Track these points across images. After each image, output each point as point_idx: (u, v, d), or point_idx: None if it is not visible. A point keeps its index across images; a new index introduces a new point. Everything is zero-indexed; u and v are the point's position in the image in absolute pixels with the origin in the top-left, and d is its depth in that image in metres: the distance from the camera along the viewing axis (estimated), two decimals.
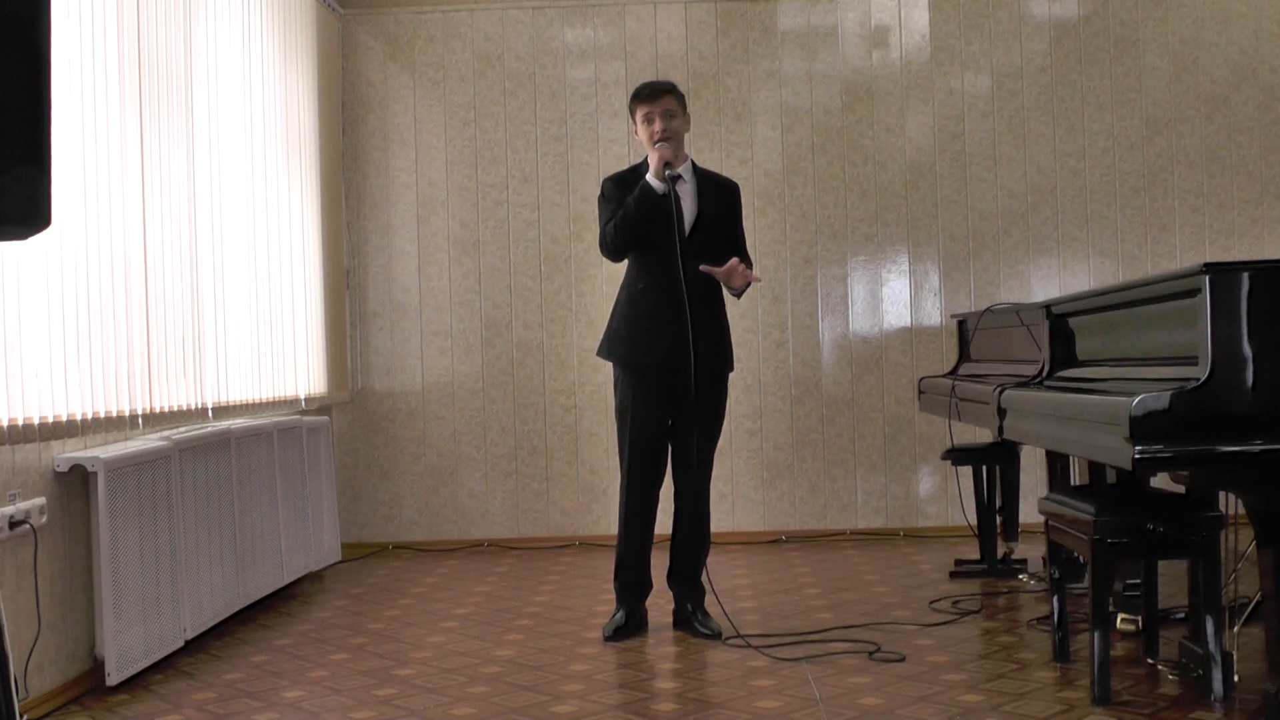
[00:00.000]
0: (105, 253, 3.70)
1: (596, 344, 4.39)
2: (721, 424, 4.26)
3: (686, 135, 4.24)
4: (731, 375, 4.29)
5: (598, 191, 4.28)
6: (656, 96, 4.13)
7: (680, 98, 4.19)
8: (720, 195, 4.23)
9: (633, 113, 4.20)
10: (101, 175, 3.68)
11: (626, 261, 4.22)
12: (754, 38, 6.17)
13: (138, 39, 3.97)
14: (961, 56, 6.17)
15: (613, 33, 6.20)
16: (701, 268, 4.01)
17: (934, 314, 6.13)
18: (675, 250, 3.99)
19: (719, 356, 4.17)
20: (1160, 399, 2.57)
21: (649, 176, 4.06)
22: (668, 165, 4.04)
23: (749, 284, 4.15)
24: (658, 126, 4.09)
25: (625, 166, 4.40)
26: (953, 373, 5.17)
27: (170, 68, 4.23)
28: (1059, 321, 3.72)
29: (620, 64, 6.18)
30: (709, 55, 6.18)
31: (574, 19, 6.22)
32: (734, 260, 4.03)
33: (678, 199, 4.10)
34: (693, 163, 4.24)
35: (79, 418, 3.54)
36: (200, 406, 4.38)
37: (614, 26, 6.20)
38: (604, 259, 4.30)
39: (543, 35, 6.21)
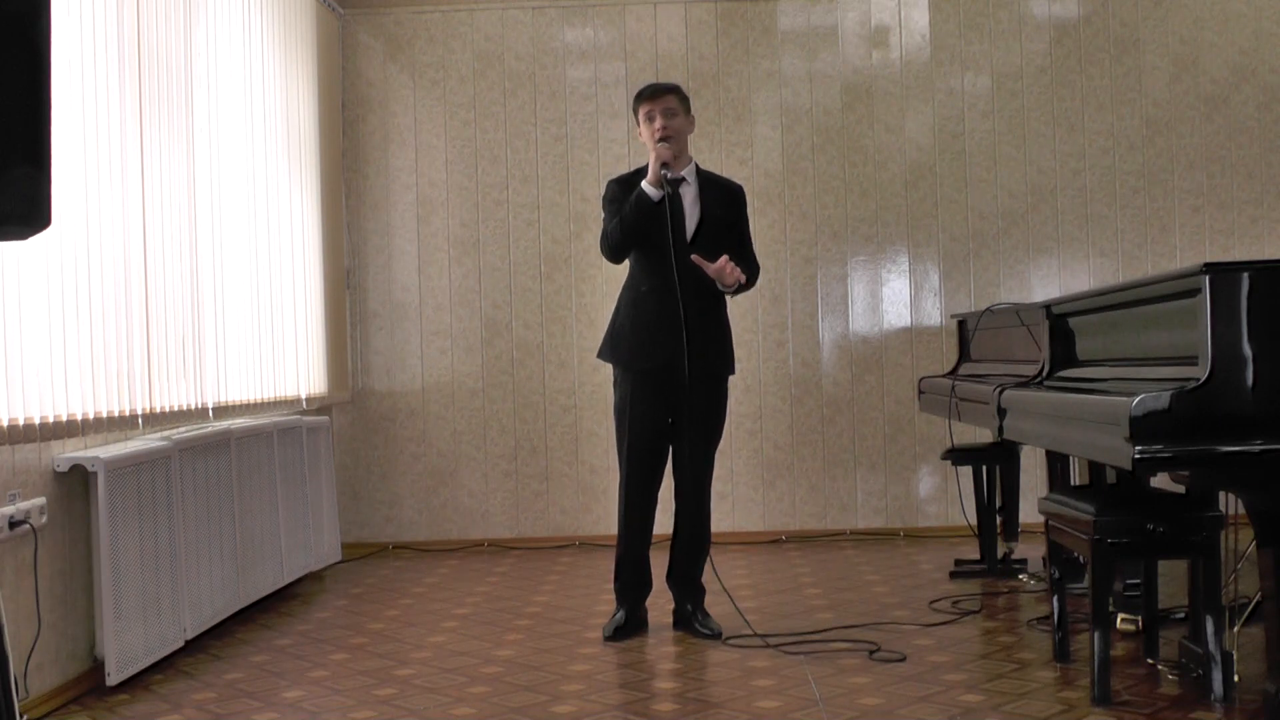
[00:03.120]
0: (105, 253, 3.70)
1: (597, 344, 4.38)
2: (722, 426, 4.25)
3: (690, 136, 4.23)
4: (732, 377, 4.28)
5: (599, 192, 4.26)
6: (658, 95, 4.12)
7: (684, 99, 4.17)
8: (724, 198, 4.20)
9: (635, 112, 4.19)
10: (101, 175, 3.68)
11: (629, 262, 4.22)
12: (754, 38, 6.17)
13: (138, 39, 3.97)
14: (961, 56, 6.17)
15: (613, 33, 6.20)
16: (693, 257, 3.99)
17: (934, 314, 6.13)
18: (673, 255, 3.99)
19: (719, 359, 4.16)
20: (1160, 399, 2.57)
21: (645, 183, 4.03)
22: (665, 166, 4.01)
23: (740, 285, 4.10)
24: (658, 124, 4.07)
25: (625, 166, 4.39)
26: (953, 373, 5.17)
27: (170, 68, 4.23)
28: (1059, 321, 3.72)
29: (620, 64, 6.18)
30: (709, 55, 6.18)
31: (574, 19, 6.22)
32: (724, 258, 3.99)
33: (680, 202, 4.08)
34: (696, 165, 4.22)
35: (79, 418, 3.54)
36: (200, 406, 4.38)
37: (614, 26, 6.20)
38: (605, 259, 4.28)
39: (543, 35, 6.21)
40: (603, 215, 4.21)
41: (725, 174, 6.04)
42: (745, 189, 4.35)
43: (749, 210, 4.32)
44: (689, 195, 4.13)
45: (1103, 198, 6.12)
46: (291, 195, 5.43)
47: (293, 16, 5.53)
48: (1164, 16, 6.11)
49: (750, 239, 4.28)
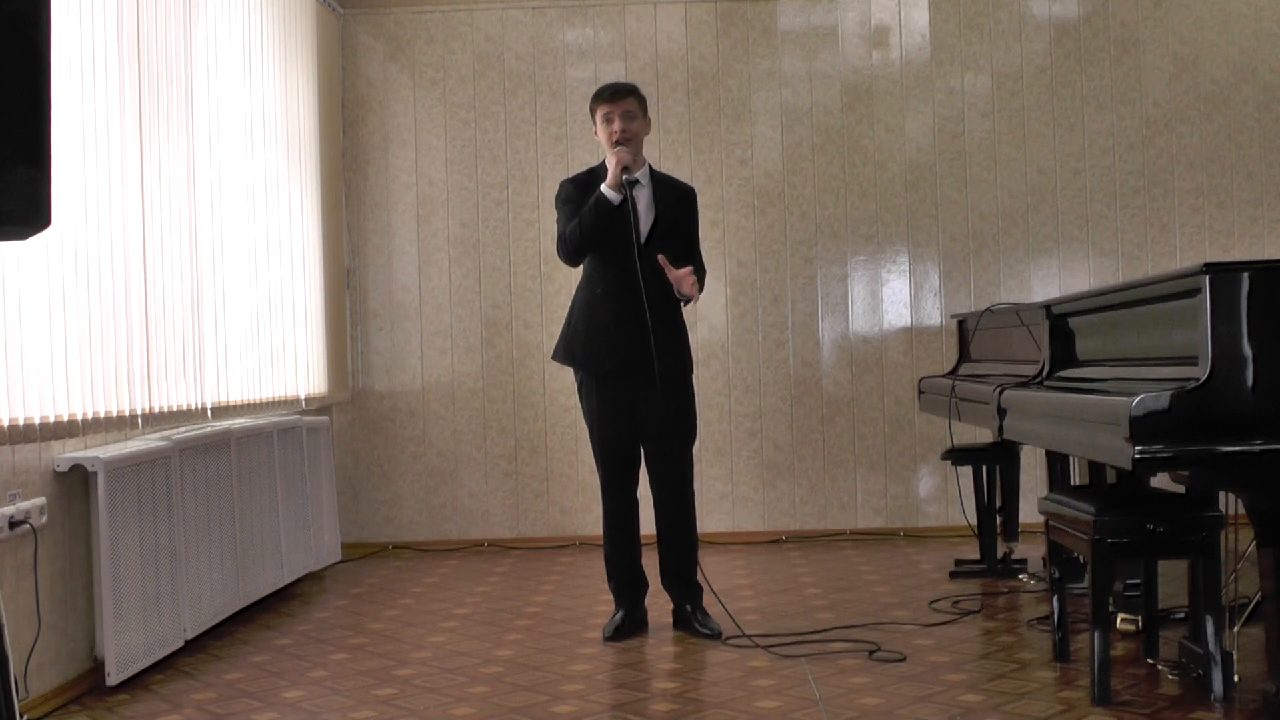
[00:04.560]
0: (105, 253, 3.70)
1: None
2: (694, 424, 4.24)
3: (646, 139, 4.23)
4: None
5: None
6: (618, 97, 4.10)
7: (642, 100, 4.17)
8: (677, 200, 4.22)
9: (593, 112, 4.17)
10: (101, 175, 3.68)
11: (583, 264, 4.22)
12: (754, 38, 6.17)
13: (138, 39, 3.97)
14: (961, 56, 6.17)
15: (613, 33, 6.21)
16: (659, 257, 4.00)
17: (934, 314, 6.13)
18: (633, 256, 3.99)
19: (678, 360, 4.16)
20: (1160, 399, 2.57)
21: (604, 186, 4.02)
22: (625, 170, 4.02)
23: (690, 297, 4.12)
24: (616, 127, 4.06)
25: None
26: (953, 373, 5.17)
27: (170, 68, 4.23)
28: (1059, 321, 3.72)
29: (620, 64, 6.18)
30: (709, 55, 6.18)
31: (574, 19, 6.22)
32: (689, 269, 4.02)
33: (635, 204, 4.08)
34: (650, 167, 4.22)
35: (79, 418, 3.54)
36: (200, 406, 4.38)
37: (614, 26, 6.20)
38: (562, 262, 4.25)
39: (543, 35, 6.22)
40: (557, 215, 4.20)
41: (725, 174, 6.07)
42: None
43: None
44: (644, 197, 4.13)
45: (1103, 198, 6.12)
46: (291, 195, 5.43)
47: (293, 16, 5.53)
48: (1164, 16, 6.11)
49: (698, 242, 4.30)
